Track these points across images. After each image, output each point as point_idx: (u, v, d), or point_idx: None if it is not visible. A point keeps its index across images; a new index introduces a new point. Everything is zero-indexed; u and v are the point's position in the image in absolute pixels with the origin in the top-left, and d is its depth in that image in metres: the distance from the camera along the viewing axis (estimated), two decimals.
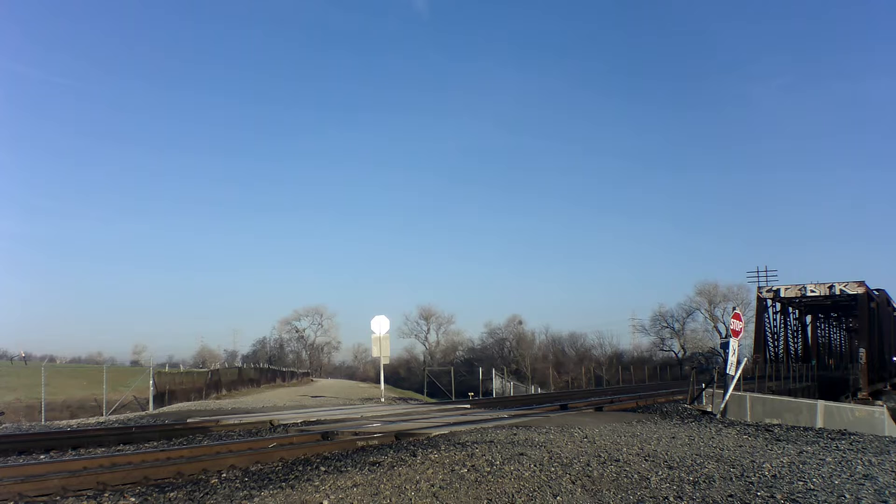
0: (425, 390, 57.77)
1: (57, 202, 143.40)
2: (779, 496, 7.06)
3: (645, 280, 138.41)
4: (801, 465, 9.08)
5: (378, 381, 40.60)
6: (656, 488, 7.36)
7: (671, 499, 6.91)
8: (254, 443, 11.16)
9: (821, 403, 19.99)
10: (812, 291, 52.80)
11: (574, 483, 7.56)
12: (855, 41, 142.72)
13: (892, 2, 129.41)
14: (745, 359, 28.58)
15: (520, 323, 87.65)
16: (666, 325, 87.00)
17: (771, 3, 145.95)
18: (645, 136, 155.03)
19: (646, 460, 9.09)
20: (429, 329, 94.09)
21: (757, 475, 8.26)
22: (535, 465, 8.45)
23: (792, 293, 53.78)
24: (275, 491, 6.96)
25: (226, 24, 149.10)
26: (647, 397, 24.89)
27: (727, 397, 17.78)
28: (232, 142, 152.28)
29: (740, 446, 10.95)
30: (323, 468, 8.34)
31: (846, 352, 72.50)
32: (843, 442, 12.17)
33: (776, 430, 13.79)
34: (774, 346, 55.77)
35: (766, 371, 39.80)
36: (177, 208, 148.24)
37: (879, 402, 36.87)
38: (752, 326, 55.45)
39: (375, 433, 11.91)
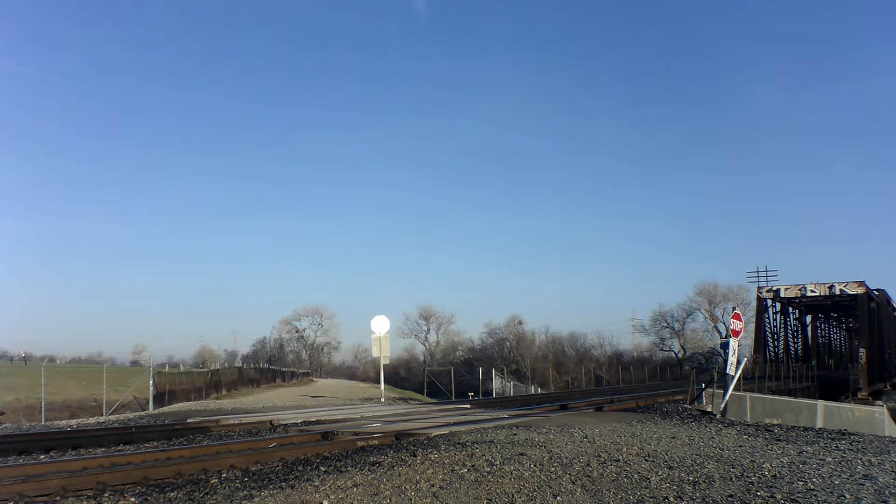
0: (425, 390, 57.79)
1: (57, 202, 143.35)
2: (779, 496, 7.06)
3: (645, 280, 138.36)
4: (801, 465, 9.09)
5: (378, 381, 40.61)
6: (656, 488, 7.36)
7: (671, 499, 6.91)
8: (254, 443, 11.16)
9: (821, 403, 19.99)
10: (812, 291, 52.77)
11: (574, 483, 7.56)
12: (855, 41, 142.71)
13: (892, 2, 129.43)
14: (745, 359, 28.59)
15: (520, 323, 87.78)
16: (666, 325, 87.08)
17: (771, 3, 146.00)
18: (645, 136, 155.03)
19: (646, 460, 9.09)
20: (429, 329, 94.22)
21: (757, 475, 8.26)
22: (535, 465, 8.45)
23: (792, 293, 53.75)
24: (275, 491, 6.96)
25: (226, 23, 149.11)
26: (647, 397, 24.88)
27: (727, 397, 17.79)
28: (232, 142, 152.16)
29: (740, 446, 10.95)
30: (323, 468, 8.34)
31: (846, 352, 72.42)
32: (843, 442, 12.17)
33: (776, 430, 13.79)
34: (774, 346, 55.74)
35: (766, 371, 39.79)
36: (176, 208, 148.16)
37: (879, 402, 36.85)
38: (752, 326, 55.44)
39: (375, 433, 11.91)
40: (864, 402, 38.86)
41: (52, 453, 10.69)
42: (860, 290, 51.28)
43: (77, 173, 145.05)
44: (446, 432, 12.07)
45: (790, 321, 57.81)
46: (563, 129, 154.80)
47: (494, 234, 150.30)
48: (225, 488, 7.22)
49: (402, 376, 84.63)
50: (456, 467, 8.28)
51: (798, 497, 7.05)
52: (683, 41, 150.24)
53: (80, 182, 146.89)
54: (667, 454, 9.64)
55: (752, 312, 56.98)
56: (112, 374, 29.96)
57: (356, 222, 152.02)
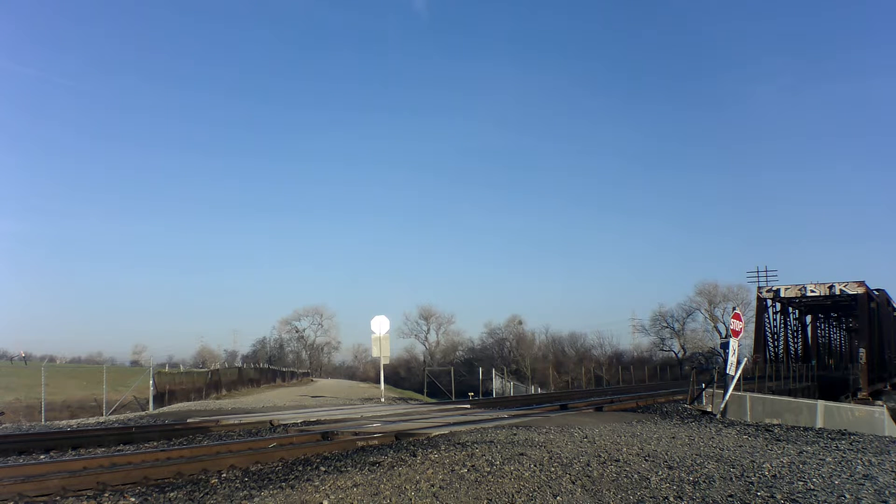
0: (425, 390, 57.79)
1: (57, 202, 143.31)
2: (779, 496, 7.06)
3: (645, 280, 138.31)
4: (801, 465, 9.08)
5: (378, 381, 40.61)
6: (656, 488, 7.36)
7: (671, 499, 6.91)
8: (254, 443, 11.16)
9: (821, 403, 19.99)
10: (812, 291, 52.75)
11: (574, 483, 7.56)
12: (855, 41, 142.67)
13: (892, 2, 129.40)
14: (745, 359, 28.60)
15: (520, 323, 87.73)
16: (666, 325, 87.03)
17: (771, 3, 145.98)
18: (645, 136, 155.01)
19: (646, 460, 9.09)
20: (429, 329, 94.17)
21: (757, 475, 8.26)
22: (535, 465, 8.45)
23: (792, 293, 53.73)
24: (275, 491, 6.96)
25: (226, 23, 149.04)
26: (647, 397, 24.88)
27: (727, 397, 17.78)
28: (232, 142, 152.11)
29: (740, 446, 10.95)
30: (323, 468, 8.34)
31: (846, 352, 72.41)
32: (843, 442, 12.17)
33: (776, 430, 13.79)
34: (774, 346, 55.72)
35: (766, 371, 39.79)
36: (176, 208, 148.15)
37: (879, 402, 36.85)
38: (752, 326, 55.41)
39: (375, 433, 11.91)
40: (864, 402, 38.85)
41: (52, 453, 10.69)
42: (860, 290, 51.27)
43: (77, 173, 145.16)
44: (446, 432, 12.07)
45: (790, 321, 57.79)
46: (563, 129, 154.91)
47: (494, 234, 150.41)
48: (225, 488, 7.22)
49: (402, 376, 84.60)
50: (456, 467, 8.28)
51: (798, 497, 7.05)
52: (683, 41, 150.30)
53: (80, 182, 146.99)
54: (667, 454, 9.64)
55: (752, 312, 56.97)
56: (112, 374, 29.96)
57: (356, 222, 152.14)
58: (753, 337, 54.93)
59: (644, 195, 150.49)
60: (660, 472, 8.23)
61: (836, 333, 74.91)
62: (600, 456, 9.29)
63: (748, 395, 19.67)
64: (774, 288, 54.69)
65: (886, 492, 7.48)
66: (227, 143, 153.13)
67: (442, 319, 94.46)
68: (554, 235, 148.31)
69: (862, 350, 49.26)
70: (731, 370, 17.66)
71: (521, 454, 9.25)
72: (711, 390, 18.50)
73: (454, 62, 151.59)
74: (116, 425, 15.59)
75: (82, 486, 7.32)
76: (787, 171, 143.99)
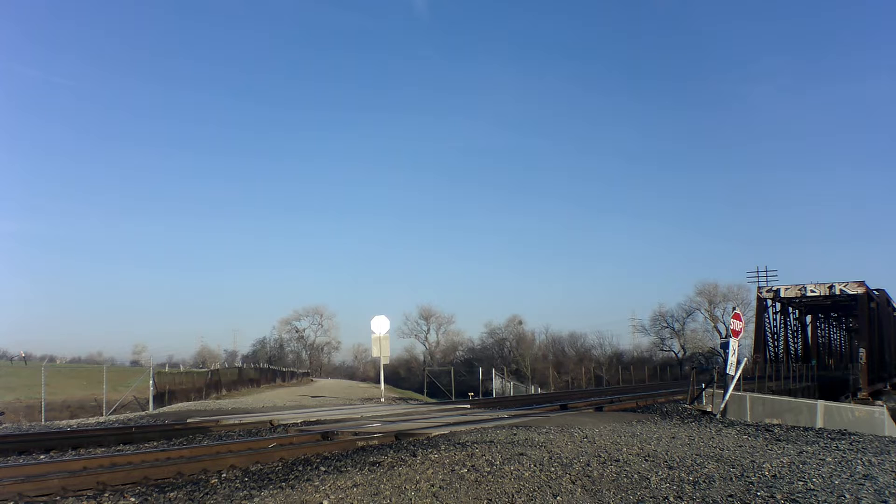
0: (425, 390, 57.77)
1: (57, 202, 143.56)
2: (779, 496, 7.06)
3: (645, 280, 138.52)
4: (801, 465, 9.08)
5: (378, 381, 40.62)
6: (656, 488, 7.36)
7: (671, 499, 6.91)
8: (254, 443, 11.16)
9: (821, 403, 20.00)
10: (812, 291, 52.74)
11: (574, 483, 7.55)
12: (855, 41, 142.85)
13: (892, 2, 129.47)
14: (745, 359, 28.59)
15: (520, 323, 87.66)
16: (666, 325, 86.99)
17: (771, 3, 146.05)
18: (645, 136, 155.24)
19: (646, 460, 9.09)
20: (429, 329, 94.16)
21: (757, 475, 8.26)
22: (535, 465, 8.45)
23: (792, 293, 53.72)
24: (275, 491, 6.95)
25: (225, 23, 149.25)
26: (647, 397, 24.89)
27: (727, 397, 17.78)
28: (232, 142, 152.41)
29: (740, 446, 10.95)
30: (323, 468, 8.34)
31: (846, 352, 72.41)
32: (843, 442, 12.16)
33: (776, 430, 13.78)
34: (774, 346, 55.71)
35: (766, 371, 39.75)
36: (177, 208, 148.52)
37: (879, 402, 36.84)
38: (752, 326, 55.39)
39: (375, 433, 11.91)
40: (864, 402, 38.85)
41: (52, 453, 10.69)
42: (860, 290, 51.25)
43: (77, 173, 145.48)
44: (446, 432, 12.06)
45: (790, 321, 57.79)
46: (563, 129, 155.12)
47: (494, 234, 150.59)
48: (225, 488, 7.21)
49: (402, 376, 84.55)
50: (456, 467, 8.28)
51: (798, 497, 7.05)
52: (683, 41, 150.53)
53: (80, 182, 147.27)
54: (667, 454, 9.64)
55: (752, 312, 56.94)
56: (112, 374, 29.97)
57: (356, 222, 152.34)
58: (753, 337, 54.92)
59: (644, 195, 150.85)
60: (660, 472, 8.22)
61: (836, 333, 74.88)
62: (600, 456, 9.29)
63: (748, 395, 19.67)
64: (774, 288, 54.68)
65: (886, 492, 7.48)
66: (227, 143, 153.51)
67: (442, 319, 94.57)
68: (554, 235, 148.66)
69: (862, 350, 49.24)
70: (731, 370, 17.66)
71: (521, 454, 9.25)
72: (711, 390, 18.50)
73: (455, 62, 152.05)
74: (116, 425, 15.59)
75: (82, 486, 7.32)
76: (787, 170, 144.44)
